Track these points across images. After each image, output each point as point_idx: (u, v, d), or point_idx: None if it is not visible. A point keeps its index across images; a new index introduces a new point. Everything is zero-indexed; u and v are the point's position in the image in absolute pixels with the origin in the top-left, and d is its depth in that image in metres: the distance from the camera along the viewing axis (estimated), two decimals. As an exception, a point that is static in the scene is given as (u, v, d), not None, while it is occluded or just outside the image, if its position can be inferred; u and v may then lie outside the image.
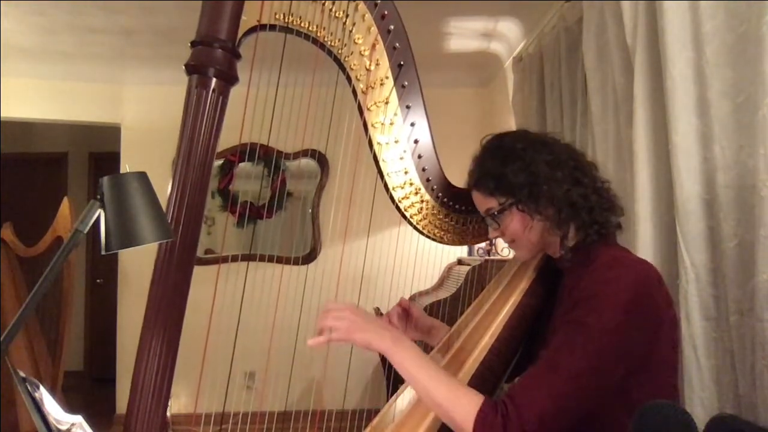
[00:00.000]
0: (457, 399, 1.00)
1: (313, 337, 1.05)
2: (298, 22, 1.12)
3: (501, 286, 1.28)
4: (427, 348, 1.40)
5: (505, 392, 1.02)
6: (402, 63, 1.20)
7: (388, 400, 1.26)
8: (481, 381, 1.11)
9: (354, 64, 1.18)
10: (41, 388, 0.81)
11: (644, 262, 1.11)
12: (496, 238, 1.24)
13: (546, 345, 1.13)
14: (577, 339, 0.99)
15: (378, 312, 2.92)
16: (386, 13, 1.17)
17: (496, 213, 1.17)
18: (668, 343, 1.08)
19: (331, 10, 1.14)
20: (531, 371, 1.04)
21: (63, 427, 0.81)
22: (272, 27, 1.11)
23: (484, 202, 1.20)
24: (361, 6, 1.16)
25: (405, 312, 1.40)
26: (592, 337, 0.98)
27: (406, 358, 1.04)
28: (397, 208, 1.28)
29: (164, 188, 1.02)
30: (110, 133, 4.12)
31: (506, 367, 1.19)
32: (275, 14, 1.10)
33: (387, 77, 1.20)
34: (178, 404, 3.54)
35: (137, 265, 3.84)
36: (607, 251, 1.11)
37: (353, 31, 1.16)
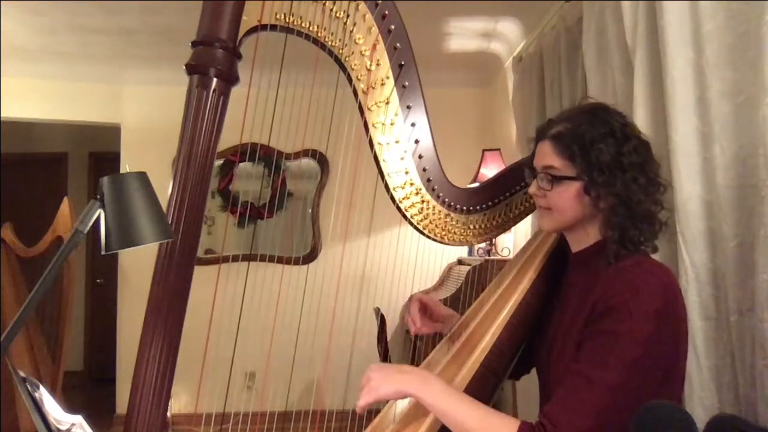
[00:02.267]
0: (492, 427, 0.99)
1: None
2: (299, 22, 1.12)
3: (502, 285, 1.28)
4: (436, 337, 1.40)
5: (541, 412, 1.00)
6: (403, 63, 1.20)
7: (388, 401, 1.26)
8: (482, 382, 1.11)
9: (355, 64, 1.18)
10: (41, 388, 0.81)
11: (664, 268, 1.08)
12: (533, 195, 1.16)
13: (556, 350, 1.12)
14: (610, 352, 0.98)
15: (378, 312, 2.91)
16: (387, 13, 1.17)
17: (557, 176, 1.09)
18: (684, 355, 1.07)
19: (331, 10, 1.14)
20: (565, 387, 1.01)
21: (63, 427, 0.81)
22: (273, 27, 1.11)
23: (549, 158, 1.10)
24: (362, 6, 1.16)
25: (423, 306, 1.38)
26: (625, 349, 0.97)
27: (437, 397, 1.03)
28: (398, 208, 1.27)
29: (164, 188, 1.02)
30: (110, 133, 4.12)
31: (508, 368, 1.18)
32: (276, 14, 1.10)
33: (388, 77, 1.20)
34: (178, 404, 3.54)
35: (137, 265, 3.84)
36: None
37: (354, 31, 1.16)
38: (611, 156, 1.05)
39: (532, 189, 1.16)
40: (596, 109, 1.13)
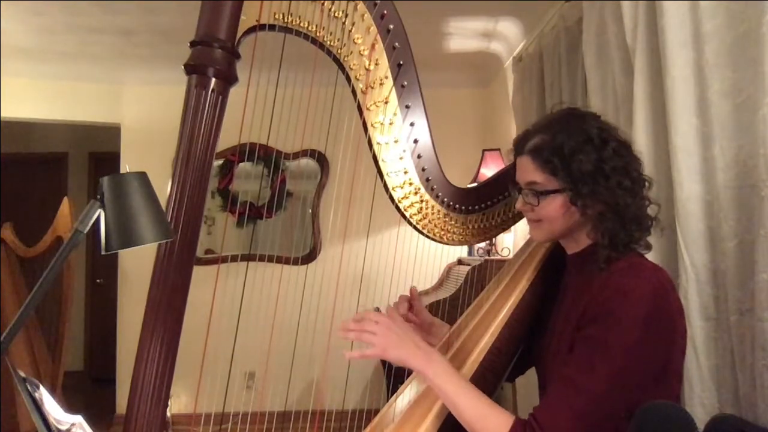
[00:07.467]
0: (487, 419, 1.01)
1: (338, 338, 1.09)
2: (298, 22, 1.12)
3: (501, 285, 1.28)
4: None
5: (530, 412, 1.01)
6: (401, 63, 1.20)
7: (388, 400, 1.26)
8: (482, 382, 1.11)
9: (353, 64, 1.18)
10: (41, 388, 0.81)
11: (659, 270, 1.08)
12: (520, 211, 1.17)
13: (552, 351, 1.13)
14: (598, 358, 0.98)
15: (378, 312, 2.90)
16: (385, 12, 1.17)
17: (541, 191, 1.09)
18: (680, 353, 1.07)
19: (330, 9, 1.14)
20: (554, 391, 1.03)
21: (63, 427, 0.81)
22: (271, 27, 1.11)
23: (531, 173, 1.10)
24: (361, 6, 1.16)
25: (410, 303, 1.39)
26: (613, 356, 0.98)
27: (439, 375, 1.04)
28: (397, 208, 1.27)
29: (164, 188, 1.02)
30: (110, 133, 4.12)
31: (507, 367, 1.19)
32: (274, 14, 1.10)
33: (386, 77, 1.20)
34: (178, 404, 3.54)
35: (137, 265, 3.84)
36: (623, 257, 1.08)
37: (352, 30, 1.16)
38: (593, 164, 1.05)
39: (519, 205, 1.16)
40: (570, 117, 1.13)
